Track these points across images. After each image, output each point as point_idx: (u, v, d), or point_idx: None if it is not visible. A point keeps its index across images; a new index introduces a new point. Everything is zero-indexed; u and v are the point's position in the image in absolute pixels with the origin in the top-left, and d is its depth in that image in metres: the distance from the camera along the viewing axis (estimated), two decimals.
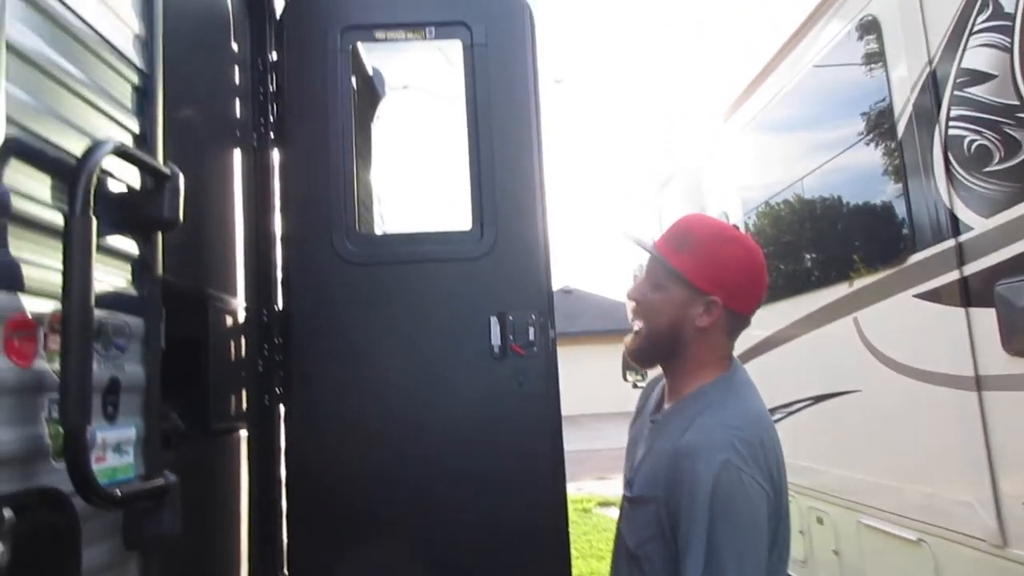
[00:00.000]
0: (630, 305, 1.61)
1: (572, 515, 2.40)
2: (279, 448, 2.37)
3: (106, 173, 1.33)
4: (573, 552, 2.43)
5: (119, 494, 1.25)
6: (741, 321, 1.53)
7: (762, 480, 1.31)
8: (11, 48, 1.08)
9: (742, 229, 4.26)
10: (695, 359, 1.50)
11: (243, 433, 2.32)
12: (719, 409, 1.40)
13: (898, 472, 2.93)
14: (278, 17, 2.45)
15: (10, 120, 1.07)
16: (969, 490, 2.45)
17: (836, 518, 3.44)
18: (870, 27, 3.04)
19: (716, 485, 1.27)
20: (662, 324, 1.49)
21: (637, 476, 1.49)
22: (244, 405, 2.31)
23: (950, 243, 2.52)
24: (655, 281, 1.51)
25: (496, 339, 2.33)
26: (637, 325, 1.54)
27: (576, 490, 8.82)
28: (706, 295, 1.45)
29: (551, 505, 2.27)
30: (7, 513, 0.99)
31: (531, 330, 2.34)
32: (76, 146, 1.23)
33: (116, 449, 1.32)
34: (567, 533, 2.30)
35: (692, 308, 1.47)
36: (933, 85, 2.62)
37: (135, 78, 1.45)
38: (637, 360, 1.62)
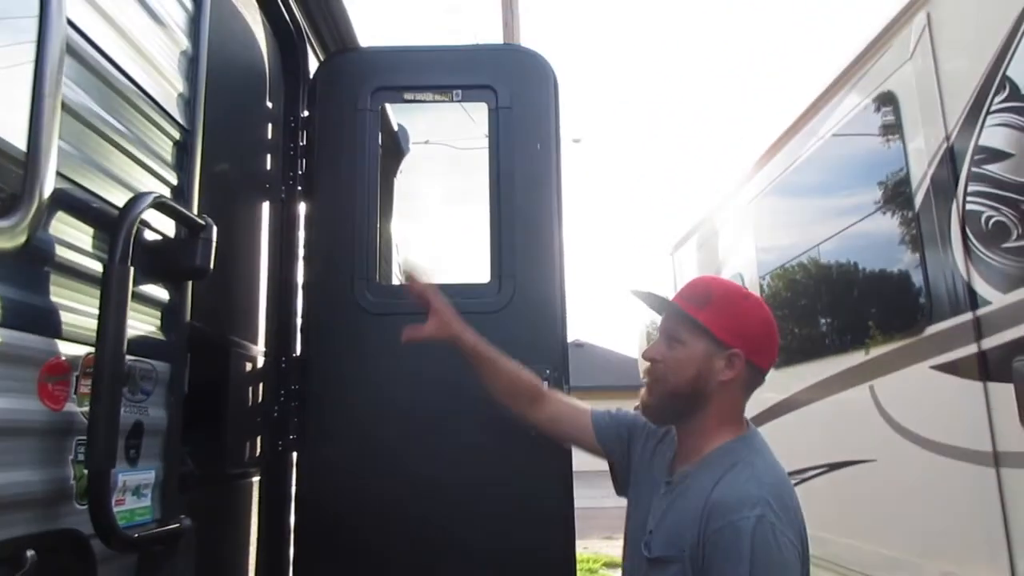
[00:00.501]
0: (644, 365, 1.62)
1: None
2: (290, 495, 2.37)
3: (143, 223, 1.38)
4: None
5: (137, 537, 1.27)
6: (759, 377, 1.55)
7: (794, 538, 1.32)
8: (64, 106, 1.14)
9: (757, 291, 4.28)
10: (713, 416, 1.51)
11: (255, 479, 2.34)
12: (749, 466, 1.41)
13: (914, 547, 2.87)
14: (311, 77, 2.54)
15: (59, 174, 1.13)
16: (987, 569, 2.40)
17: None
18: (887, 101, 3.10)
19: (754, 541, 1.27)
20: (683, 379, 1.50)
21: (656, 537, 1.48)
22: (258, 450, 2.33)
23: (967, 316, 2.52)
24: (674, 337, 1.53)
25: None
26: (651, 381, 1.55)
27: (583, 549, 8.62)
28: (729, 348, 1.48)
29: (560, 565, 2.24)
30: (29, 554, 1.02)
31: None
32: (118, 198, 1.28)
33: (135, 492, 1.34)
34: None
35: (715, 362, 1.49)
36: (951, 160, 2.65)
37: (177, 134, 1.52)
38: (653, 417, 1.61)
